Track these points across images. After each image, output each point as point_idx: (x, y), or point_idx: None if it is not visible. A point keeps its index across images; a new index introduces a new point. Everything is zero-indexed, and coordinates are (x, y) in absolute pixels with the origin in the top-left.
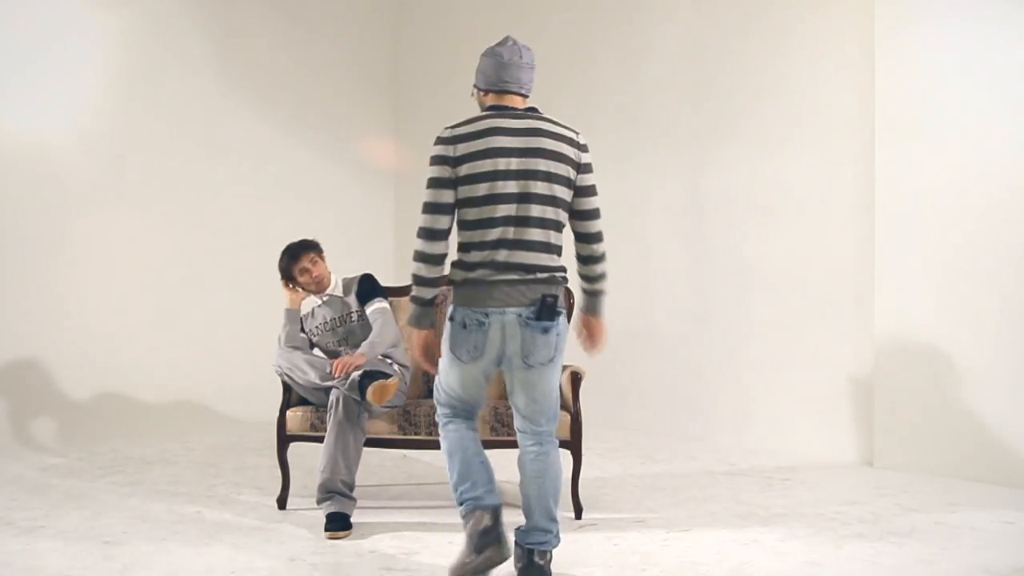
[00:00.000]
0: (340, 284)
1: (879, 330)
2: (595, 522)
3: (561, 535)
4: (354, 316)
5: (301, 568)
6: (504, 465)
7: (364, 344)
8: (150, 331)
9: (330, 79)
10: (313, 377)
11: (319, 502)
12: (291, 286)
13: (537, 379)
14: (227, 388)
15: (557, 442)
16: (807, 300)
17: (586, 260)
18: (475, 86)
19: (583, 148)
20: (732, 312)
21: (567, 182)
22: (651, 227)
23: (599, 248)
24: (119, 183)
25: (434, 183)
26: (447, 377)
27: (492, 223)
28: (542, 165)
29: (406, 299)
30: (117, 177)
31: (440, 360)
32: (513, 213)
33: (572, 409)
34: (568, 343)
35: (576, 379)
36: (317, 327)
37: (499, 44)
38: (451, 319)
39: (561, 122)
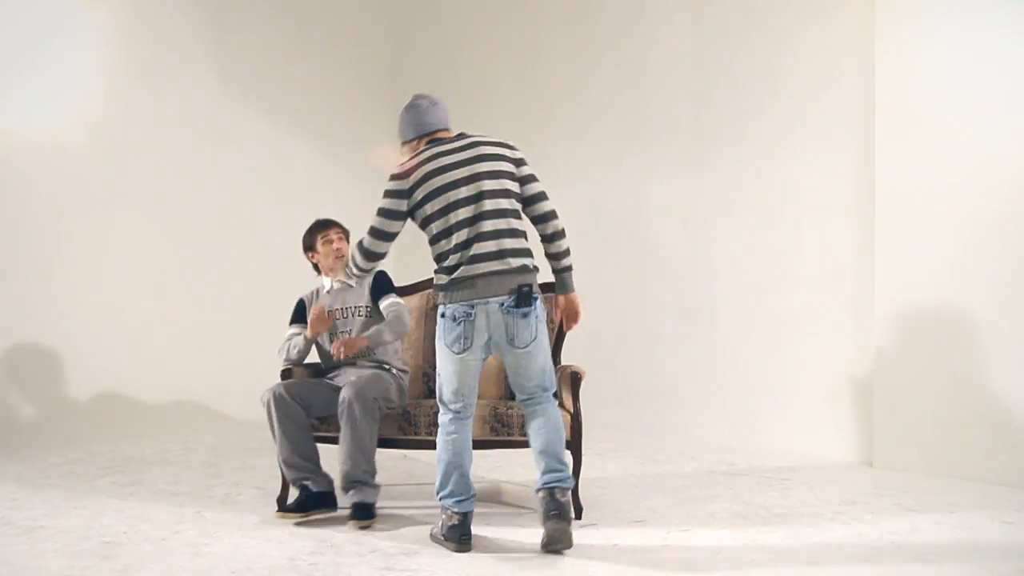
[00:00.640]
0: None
1: (879, 330)
2: (595, 522)
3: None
4: (363, 311)
5: (301, 568)
6: (504, 466)
7: (373, 328)
8: (150, 331)
9: (331, 79)
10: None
11: (344, 491)
12: (313, 258)
13: (528, 360)
14: (227, 388)
15: (556, 402)
16: (807, 300)
17: (549, 238)
18: (404, 142)
19: (514, 147)
20: (732, 312)
21: (510, 175)
22: (651, 227)
23: (557, 224)
24: (119, 183)
25: (381, 212)
26: (444, 371)
27: (459, 227)
28: (485, 166)
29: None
30: (117, 177)
31: (437, 359)
32: (471, 214)
33: (572, 409)
34: (569, 341)
35: (576, 379)
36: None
37: (412, 101)
38: (442, 316)
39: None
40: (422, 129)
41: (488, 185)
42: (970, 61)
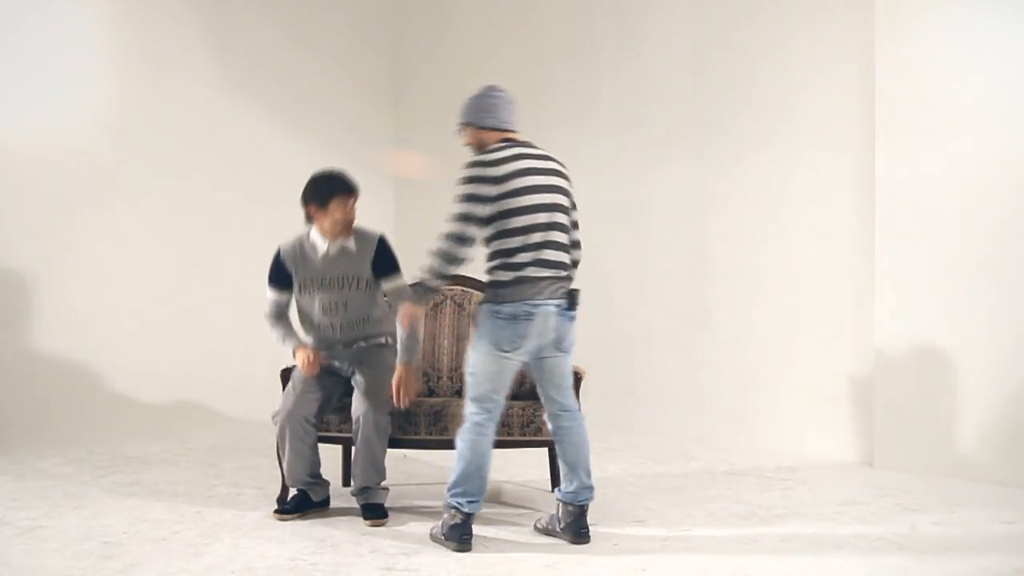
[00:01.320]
0: (353, 237)
1: (879, 330)
2: (595, 522)
3: None
4: (361, 284)
5: (301, 568)
6: (503, 466)
7: (401, 352)
8: (150, 331)
9: (331, 78)
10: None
11: (357, 495)
12: (315, 213)
13: (564, 364)
14: (227, 388)
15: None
16: (807, 300)
17: (572, 264)
18: (477, 127)
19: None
20: (732, 312)
21: (569, 198)
22: (651, 227)
23: (578, 254)
24: (119, 183)
25: (472, 199)
26: (482, 369)
27: (535, 228)
28: (560, 182)
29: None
30: (117, 177)
31: (474, 356)
32: (547, 220)
33: None
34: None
35: (576, 379)
36: (313, 279)
37: (494, 91)
38: (496, 315)
39: None
40: (501, 124)
41: (560, 200)
42: (971, 60)
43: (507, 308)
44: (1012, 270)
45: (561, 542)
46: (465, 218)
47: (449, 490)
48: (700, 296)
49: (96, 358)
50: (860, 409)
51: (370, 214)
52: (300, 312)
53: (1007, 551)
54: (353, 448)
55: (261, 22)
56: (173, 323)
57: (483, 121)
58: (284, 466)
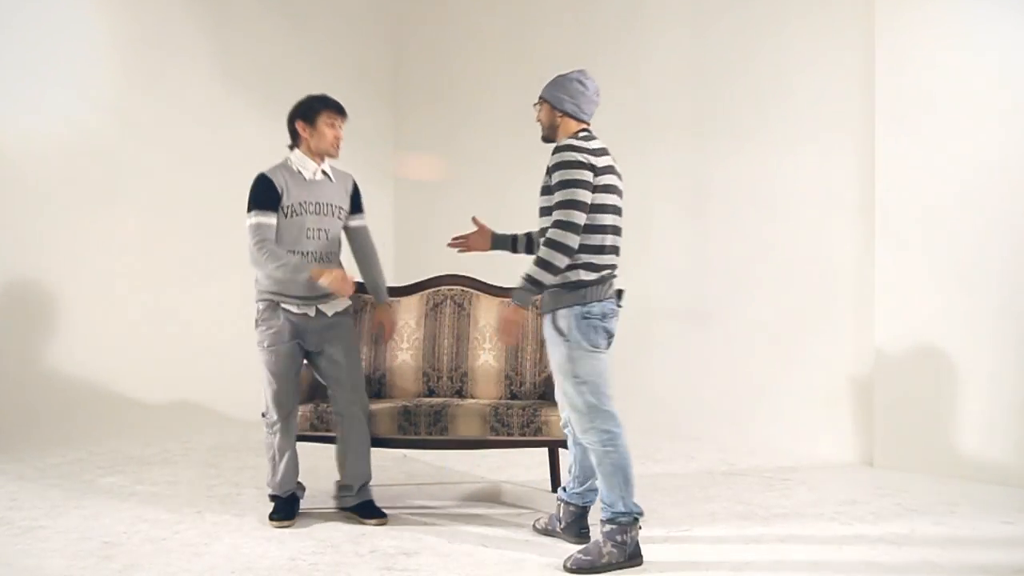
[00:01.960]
0: (331, 170)
1: (879, 330)
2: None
3: None
4: (341, 214)
5: (301, 568)
6: (503, 466)
7: (384, 290)
8: (150, 331)
9: (331, 78)
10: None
11: (353, 495)
12: (303, 131)
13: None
14: (227, 388)
15: None
16: (807, 300)
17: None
18: (551, 104)
19: None
20: (732, 312)
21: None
22: (651, 226)
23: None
24: (118, 182)
25: (583, 184)
26: (595, 374)
27: (613, 230)
28: (622, 187)
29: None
30: (116, 176)
31: (578, 366)
32: (616, 223)
33: None
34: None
35: None
36: (302, 203)
37: (586, 77)
38: (588, 315)
39: None
40: (580, 114)
41: (621, 205)
42: (971, 60)
43: (596, 307)
44: (1012, 270)
45: (561, 542)
46: (575, 204)
47: (622, 498)
48: (699, 296)
49: (96, 358)
50: (860, 409)
51: (370, 214)
52: (279, 241)
53: (1007, 551)
54: (341, 444)
55: (262, 24)
56: (173, 323)
57: (563, 105)
58: (279, 476)
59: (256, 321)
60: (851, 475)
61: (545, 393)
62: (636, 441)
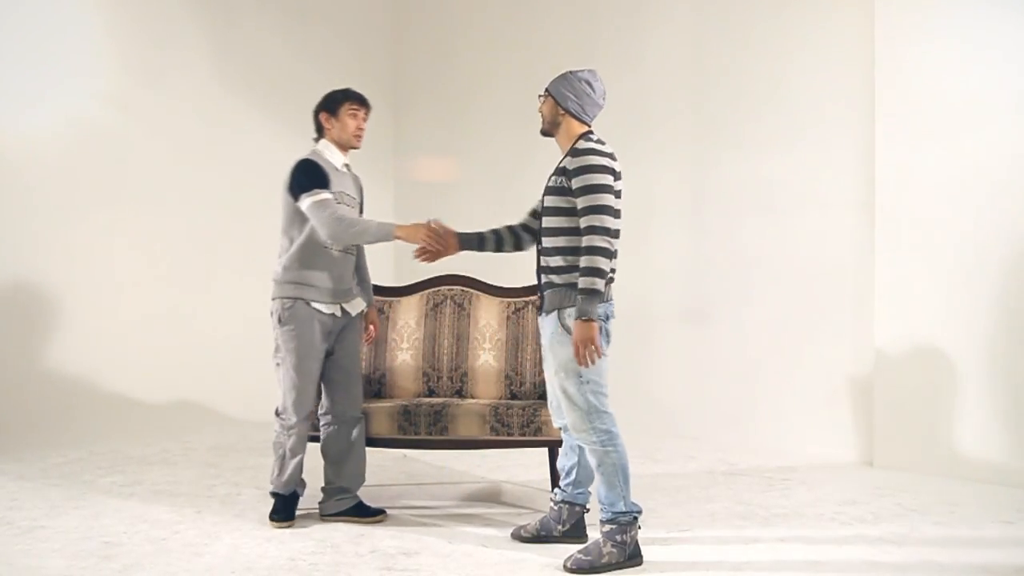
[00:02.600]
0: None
1: (879, 330)
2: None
3: None
4: (356, 204)
5: (301, 568)
6: (503, 466)
7: (371, 294)
8: (150, 331)
9: (330, 79)
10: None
11: (349, 495)
12: (327, 122)
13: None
14: (227, 388)
15: None
16: (807, 300)
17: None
18: (559, 104)
19: None
20: (732, 312)
21: None
22: (651, 226)
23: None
24: (119, 182)
25: (609, 189)
26: (596, 371)
27: (617, 235)
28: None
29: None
30: (117, 176)
31: (591, 367)
32: (619, 226)
33: None
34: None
35: None
36: (339, 193)
37: (594, 77)
38: (605, 318)
39: None
40: (583, 116)
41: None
42: (971, 60)
43: (601, 308)
44: (1012, 270)
45: (561, 542)
46: (605, 209)
47: (624, 505)
48: (699, 295)
49: (96, 358)
50: (860, 409)
51: (370, 214)
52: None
53: (1007, 551)
54: (334, 447)
55: (261, 23)
56: (173, 323)
57: (566, 103)
58: (285, 476)
59: (280, 319)
60: (851, 475)
61: (545, 393)
62: (636, 441)
